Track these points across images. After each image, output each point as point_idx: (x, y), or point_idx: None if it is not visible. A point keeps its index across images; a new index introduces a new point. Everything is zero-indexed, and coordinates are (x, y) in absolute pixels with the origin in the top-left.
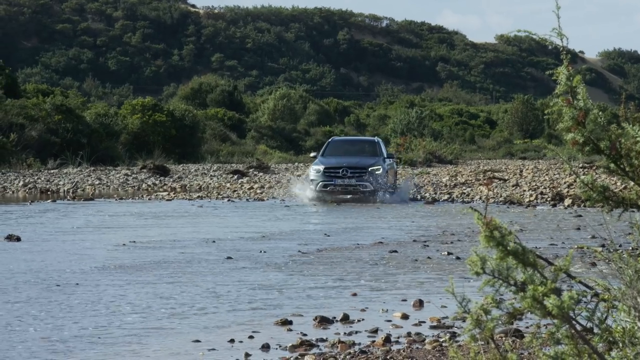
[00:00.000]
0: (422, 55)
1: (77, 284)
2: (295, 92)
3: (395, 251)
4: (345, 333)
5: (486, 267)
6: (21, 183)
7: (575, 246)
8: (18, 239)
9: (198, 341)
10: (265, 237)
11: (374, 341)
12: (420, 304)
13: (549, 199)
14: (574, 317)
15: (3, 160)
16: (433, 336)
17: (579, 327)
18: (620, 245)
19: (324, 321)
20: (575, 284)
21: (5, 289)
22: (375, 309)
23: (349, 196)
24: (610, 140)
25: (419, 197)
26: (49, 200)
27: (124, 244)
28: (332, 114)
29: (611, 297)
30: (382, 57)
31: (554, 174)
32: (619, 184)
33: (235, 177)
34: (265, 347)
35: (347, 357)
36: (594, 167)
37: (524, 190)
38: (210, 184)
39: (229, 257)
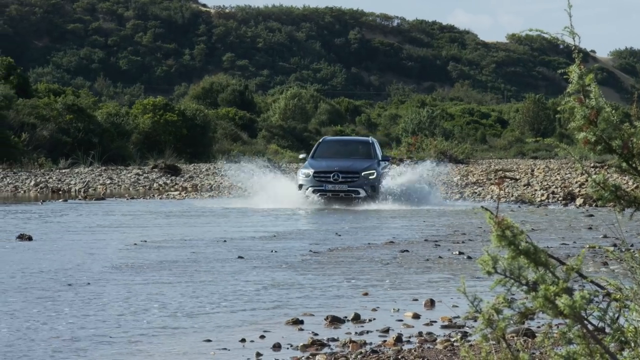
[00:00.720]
0: (433, 55)
1: (89, 283)
2: (306, 92)
3: (407, 251)
4: (356, 332)
5: (498, 267)
6: (33, 182)
7: (587, 246)
8: (30, 239)
9: (209, 341)
10: (277, 237)
11: (385, 341)
12: (431, 303)
13: (560, 199)
14: (585, 316)
15: (15, 159)
16: (444, 336)
17: (590, 327)
18: (632, 245)
19: (335, 321)
20: (587, 284)
21: (17, 288)
22: (386, 309)
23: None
24: (622, 139)
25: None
26: (60, 200)
27: (135, 244)
28: (343, 113)
29: (623, 297)
30: (393, 57)
31: (566, 174)
32: (630, 183)
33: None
34: (277, 347)
35: (359, 356)
36: (606, 167)
37: (536, 190)
38: (221, 183)
39: (240, 257)
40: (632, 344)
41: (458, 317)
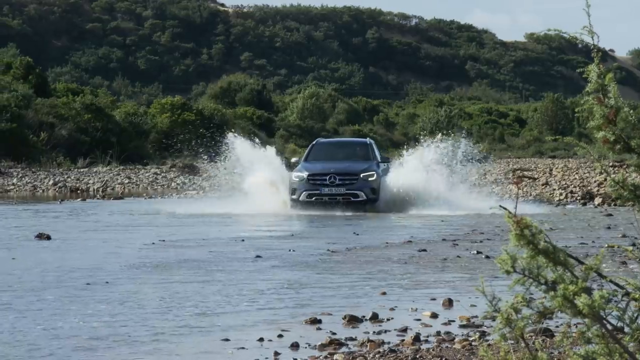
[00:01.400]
0: (451, 54)
1: (107, 282)
2: (324, 91)
3: (425, 250)
4: (374, 332)
5: (516, 266)
6: (51, 182)
7: (606, 245)
8: (48, 238)
9: (227, 340)
10: (295, 236)
11: (403, 340)
12: (449, 303)
13: (579, 198)
14: (604, 316)
15: (33, 159)
16: (462, 335)
17: (609, 327)
18: None
19: (353, 320)
20: (606, 283)
21: (35, 287)
22: (404, 308)
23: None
24: None
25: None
26: (78, 199)
27: (153, 243)
28: (361, 112)
29: None
30: (411, 56)
31: (584, 173)
32: None
33: None
34: (295, 346)
35: (377, 356)
36: (625, 166)
37: (554, 189)
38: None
39: (258, 256)
40: None
41: (476, 316)
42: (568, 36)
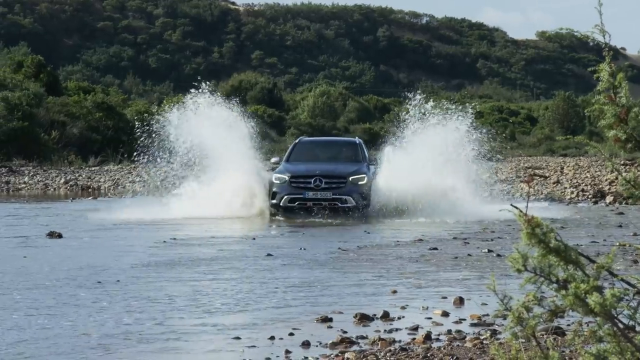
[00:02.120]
0: (462, 52)
1: (118, 280)
2: (335, 90)
3: (436, 248)
4: (385, 330)
5: (528, 265)
6: (62, 180)
7: (617, 243)
8: (60, 236)
9: (238, 338)
10: (305, 234)
11: (414, 338)
12: (460, 301)
13: (590, 196)
14: (616, 315)
15: (45, 157)
16: (474, 334)
17: (621, 325)
18: None
19: (364, 318)
20: (617, 282)
21: (47, 286)
22: (415, 307)
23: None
24: None
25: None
26: (90, 198)
27: (164, 241)
28: (372, 111)
29: None
30: (422, 54)
31: (596, 171)
32: None
33: None
34: (306, 344)
35: (388, 354)
36: (636, 164)
37: (565, 188)
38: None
39: (269, 254)
40: None
41: (487, 315)
42: (580, 35)
